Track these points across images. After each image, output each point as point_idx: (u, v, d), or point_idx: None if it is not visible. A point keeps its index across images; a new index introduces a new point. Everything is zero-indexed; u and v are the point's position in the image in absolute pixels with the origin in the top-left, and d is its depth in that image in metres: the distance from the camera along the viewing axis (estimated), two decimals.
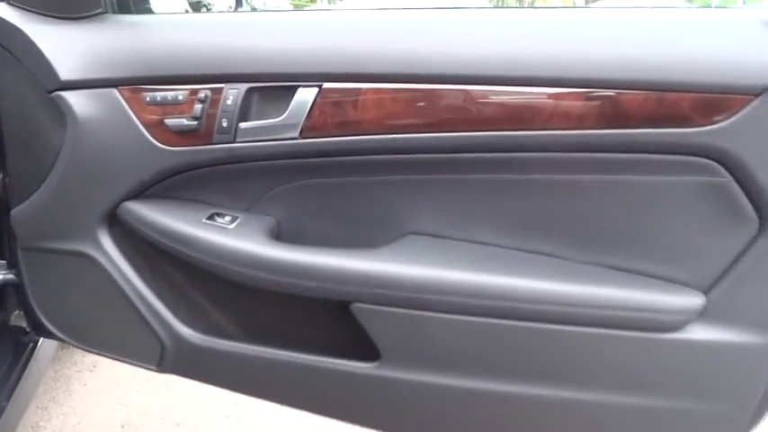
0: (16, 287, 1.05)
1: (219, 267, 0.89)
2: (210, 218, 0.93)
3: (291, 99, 0.86)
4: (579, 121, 0.78)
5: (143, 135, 0.90)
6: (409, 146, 0.85)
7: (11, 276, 1.06)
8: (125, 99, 0.90)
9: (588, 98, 0.77)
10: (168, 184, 0.93)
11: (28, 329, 1.07)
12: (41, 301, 1.04)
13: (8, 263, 1.08)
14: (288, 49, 0.87)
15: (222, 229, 0.91)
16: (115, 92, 0.90)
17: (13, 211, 0.99)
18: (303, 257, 0.87)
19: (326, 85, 0.84)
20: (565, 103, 0.78)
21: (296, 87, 0.85)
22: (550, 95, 0.79)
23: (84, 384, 1.78)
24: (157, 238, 0.92)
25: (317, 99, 0.85)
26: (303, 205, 0.94)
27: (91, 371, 1.84)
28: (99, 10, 0.94)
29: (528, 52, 0.80)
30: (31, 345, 1.18)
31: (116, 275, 0.96)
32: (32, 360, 1.16)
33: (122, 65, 0.90)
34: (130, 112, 0.89)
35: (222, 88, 0.87)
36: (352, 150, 0.86)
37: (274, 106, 0.87)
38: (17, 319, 1.15)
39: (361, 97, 0.84)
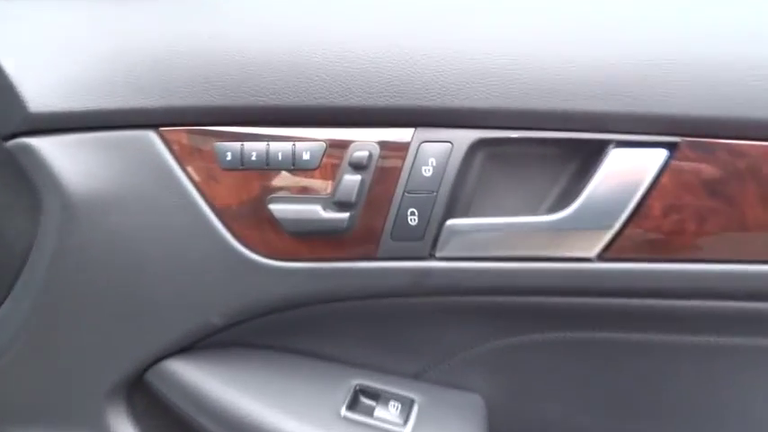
0: None
1: None
2: (354, 403, 0.44)
3: (591, 170, 0.38)
4: None
5: (216, 233, 0.41)
6: None
7: None
8: (175, 155, 0.40)
9: None
10: (261, 326, 0.45)
11: None
12: None
13: None
14: (588, 58, 0.38)
15: None
16: (152, 137, 0.40)
17: None
18: None
19: (689, 141, 0.36)
20: None
21: (604, 144, 0.37)
22: None
23: None
24: None
25: (666, 172, 0.37)
26: (543, 374, 0.47)
27: None
28: None
29: None
30: None
31: None
32: None
33: (171, 81, 0.40)
34: (188, 184, 0.40)
35: (407, 144, 0.38)
36: (725, 290, 0.39)
37: (534, 182, 0.39)
38: None
39: None
